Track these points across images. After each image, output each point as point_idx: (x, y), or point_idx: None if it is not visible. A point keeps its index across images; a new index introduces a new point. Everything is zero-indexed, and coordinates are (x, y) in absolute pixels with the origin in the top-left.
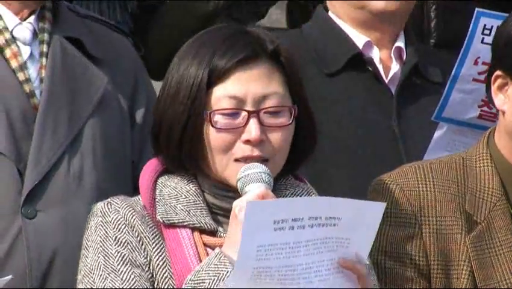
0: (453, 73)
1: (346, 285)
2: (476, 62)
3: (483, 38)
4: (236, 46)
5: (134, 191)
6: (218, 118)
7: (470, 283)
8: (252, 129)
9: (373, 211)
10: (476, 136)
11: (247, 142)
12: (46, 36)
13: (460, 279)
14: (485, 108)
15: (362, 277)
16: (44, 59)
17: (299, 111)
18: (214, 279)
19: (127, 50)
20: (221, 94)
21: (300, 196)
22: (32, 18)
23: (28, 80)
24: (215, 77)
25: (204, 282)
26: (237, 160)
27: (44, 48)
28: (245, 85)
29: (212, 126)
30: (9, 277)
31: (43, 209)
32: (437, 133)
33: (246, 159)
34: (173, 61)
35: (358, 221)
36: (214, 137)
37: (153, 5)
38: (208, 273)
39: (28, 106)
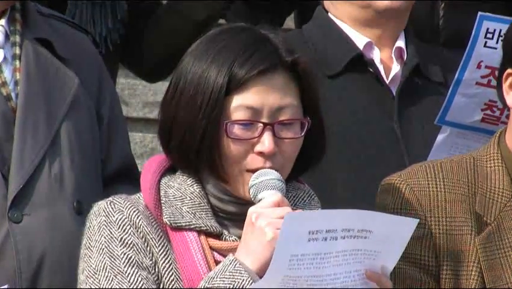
0: (456, 77)
1: None
2: (479, 66)
3: (486, 42)
4: (256, 56)
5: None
6: (233, 129)
7: (479, 284)
8: (266, 142)
9: (404, 226)
10: (479, 139)
11: (260, 154)
12: (17, 38)
13: (469, 279)
14: (488, 112)
15: None
16: (17, 62)
17: (312, 121)
18: (229, 287)
19: (89, 49)
20: (239, 104)
21: (302, 198)
22: (3, 21)
23: (4, 83)
24: (233, 86)
25: None
26: (248, 171)
27: (17, 50)
28: (262, 96)
29: (228, 136)
30: (5, 286)
31: (29, 213)
32: (440, 136)
33: (257, 170)
34: (185, 58)
35: (389, 235)
36: (228, 147)
37: (145, 10)
38: (223, 281)
39: (7, 109)
